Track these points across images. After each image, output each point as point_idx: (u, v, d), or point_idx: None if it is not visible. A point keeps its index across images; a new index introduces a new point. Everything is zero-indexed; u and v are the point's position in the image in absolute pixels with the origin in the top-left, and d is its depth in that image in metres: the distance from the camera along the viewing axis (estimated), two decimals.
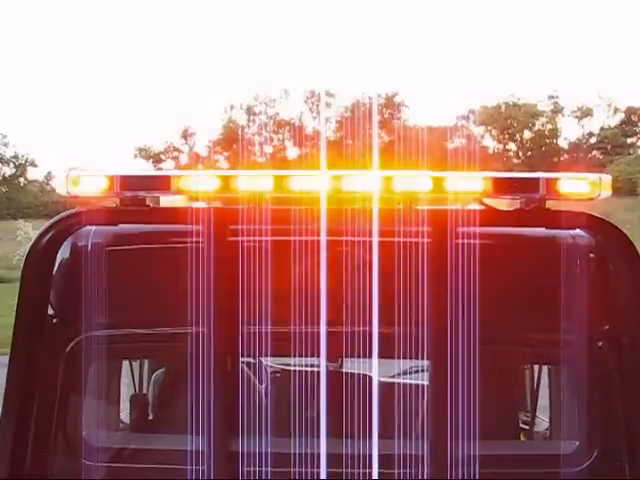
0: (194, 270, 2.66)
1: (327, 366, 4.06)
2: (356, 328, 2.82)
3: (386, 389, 4.11)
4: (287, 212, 2.78)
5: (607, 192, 2.62)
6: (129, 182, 2.63)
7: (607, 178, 2.63)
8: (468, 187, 2.63)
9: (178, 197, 2.83)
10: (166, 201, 2.89)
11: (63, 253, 2.77)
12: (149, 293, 2.82)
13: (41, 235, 2.70)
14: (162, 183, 2.64)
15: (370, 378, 4.00)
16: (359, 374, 3.99)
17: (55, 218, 2.74)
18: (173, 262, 2.82)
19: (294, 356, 3.84)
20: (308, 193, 2.66)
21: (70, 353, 2.78)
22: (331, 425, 3.24)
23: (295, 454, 2.83)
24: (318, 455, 2.83)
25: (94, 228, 2.80)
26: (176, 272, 2.79)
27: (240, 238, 2.73)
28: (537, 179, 2.61)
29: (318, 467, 2.76)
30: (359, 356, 3.41)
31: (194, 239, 2.67)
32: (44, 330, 2.75)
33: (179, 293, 2.78)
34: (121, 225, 2.80)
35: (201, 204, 3.09)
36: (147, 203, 2.75)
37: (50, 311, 2.78)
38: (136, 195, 2.67)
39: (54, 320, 2.78)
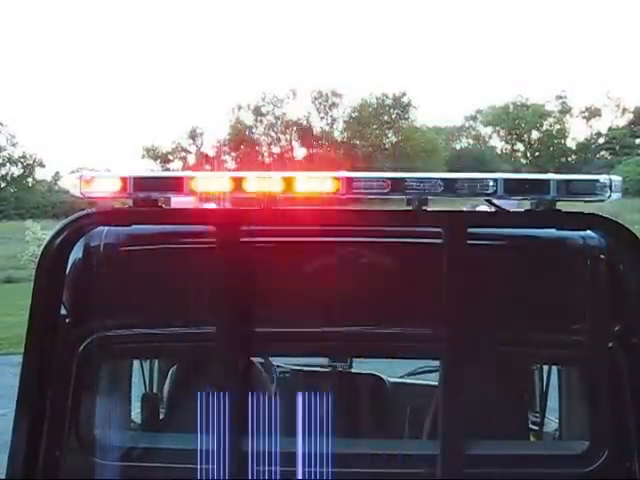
0: (206, 271, 2.67)
1: (335, 366, 4.09)
2: (365, 329, 2.83)
3: (395, 389, 4.13)
4: (298, 213, 2.79)
5: (618, 193, 2.62)
6: (142, 183, 2.65)
7: (618, 179, 2.63)
8: (478, 188, 2.63)
9: (189, 198, 2.84)
10: (176, 202, 2.90)
11: (76, 253, 2.78)
12: (161, 293, 2.84)
13: (54, 235, 2.72)
14: (175, 184, 2.65)
15: (379, 378, 4.02)
16: (367, 374, 4.01)
17: (68, 219, 2.75)
18: (185, 263, 2.83)
19: (304, 356, 3.87)
20: (318, 194, 2.67)
21: (82, 353, 2.79)
22: (340, 425, 3.24)
23: (303, 453, 2.84)
24: (328, 454, 2.84)
25: (106, 228, 2.82)
26: (188, 272, 2.81)
27: (252, 239, 2.74)
28: (548, 180, 2.61)
29: (327, 467, 2.77)
30: (368, 356, 3.42)
31: (206, 240, 2.69)
32: (57, 330, 2.76)
33: (191, 293, 2.80)
34: (134, 226, 2.81)
35: (212, 205, 3.11)
36: (159, 204, 2.76)
37: (63, 311, 2.79)
38: (149, 196, 2.69)
39: (67, 320, 2.80)
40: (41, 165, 70.39)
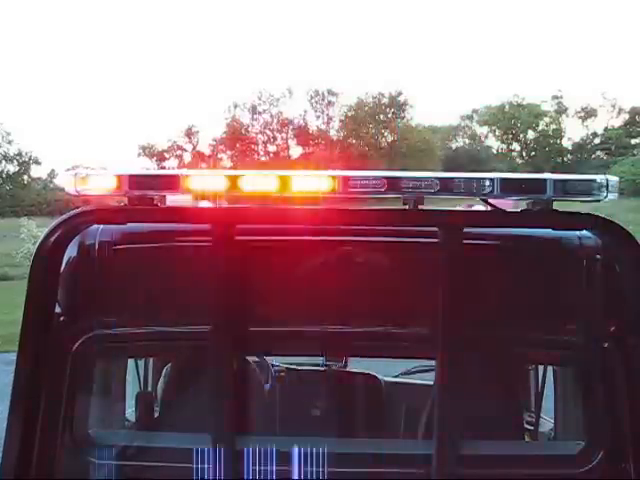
0: (201, 269, 2.67)
1: (330, 365, 4.08)
2: (361, 328, 2.82)
3: (390, 388, 4.12)
4: (293, 212, 2.78)
5: (614, 194, 2.62)
6: (138, 181, 2.64)
7: (614, 179, 2.63)
8: (474, 188, 2.63)
9: (185, 196, 2.83)
10: (171, 200, 2.90)
11: (71, 251, 2.77)
12: (156, 292, 2.83)
13: (49, 233, 2.71)
14: (171, 182, 2.64)
15: (374, 377, 4.01)
16: (362, 373, 4.00)
17: (63, 216, 2.75)
18: (180, 261, 2.83)
19: (301, 355, 3.86)
20: (314, 193, 2.66)
21: (77, 351, 2.78)
22: (335, 423, 3.24)
23: (300, 452, 2.83)
24: (323, 454, 2.84)
25: (101, 227, 2.81)
26: (183, 271, 2.80)
27: (247, 237, 2.73)
28: (545, 180, 2.61)
29: (323, 466, 2.76)
30: (363, 356, 3.42)
31: (202, 238, 2.68)
32: (51, 328, 2.75)
33: (186, 292, 2.79)
34: (129, 224, 2.80)
35: (207, 203, 3.10)
36: (155, 202, 2.76)
37: (57, 309, 2.78)
38: (144, 194, 2.68)
39: (61, 318, 2.79)
40: (37, 162, 70.33)
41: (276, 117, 74.10)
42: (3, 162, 69.79)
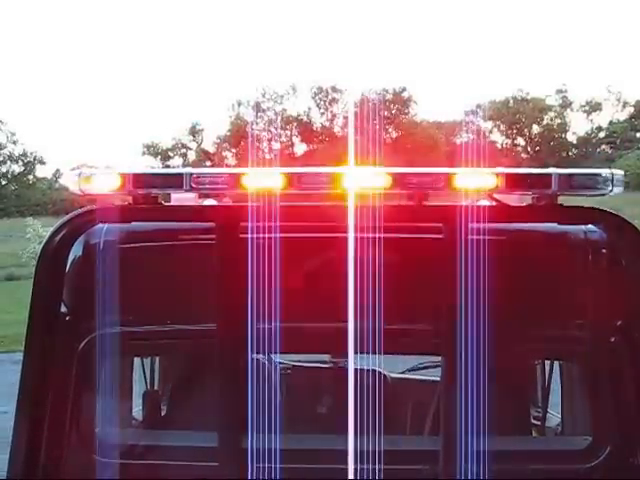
0: (206, 267, 2.67)
1: (336, 362, 4.08)
2: (367, 324, 2.82)
3: (397, 384, 4.12)
4: (297, 209, 2.78)
5: (620, 187, 2.61)
6: (142, 180, 2.64)
7: (620, 173, 2.63)
8: (480, 183, 2.63)
9: (189, 195, 2.83)
10: (176, 198, 2.90)
11: (76, 251, 2.78)
12: (161, 291, 2.83)
13: (54, 233, 2.72)
14: (175, 181, 2.64)
15: (379, 374, 4.00)
16: (368, 370, 3.99)
17: (68, 216, 2.75)
18: (185, 259, 2.83)
19: (307, 353, 3.86)
20: (319, 190, 2.66)
21: (83, 350, 2.79)
22: (337, 421, 3.24)
23: (307, 450, 2.83)
24: (328, 451, 2.84)
25: (106, 226, 2.81)
26: (188, 269, 2.80)
27: (252, 235, 2.73)
28: (550, 175, 2.60)
29: (329, 463, 2.76)
30: (369, 352, 3.42)
31: (206, 236, 2.68)
32: (57, 328, 2.76)
33: (191, 290, 2.79)
34: (133, 223, 2.81)
35: (212, 201, 3.10)
36: (159, 201, 2.76)
37: (63, 309, 2.79)
38: (149, 193, 2.68)
39: (67, 318, 2.79)
40: (42, 162, 70.36)
41: (280, 114, 74.05)
42: (8, 162, 69.90)
